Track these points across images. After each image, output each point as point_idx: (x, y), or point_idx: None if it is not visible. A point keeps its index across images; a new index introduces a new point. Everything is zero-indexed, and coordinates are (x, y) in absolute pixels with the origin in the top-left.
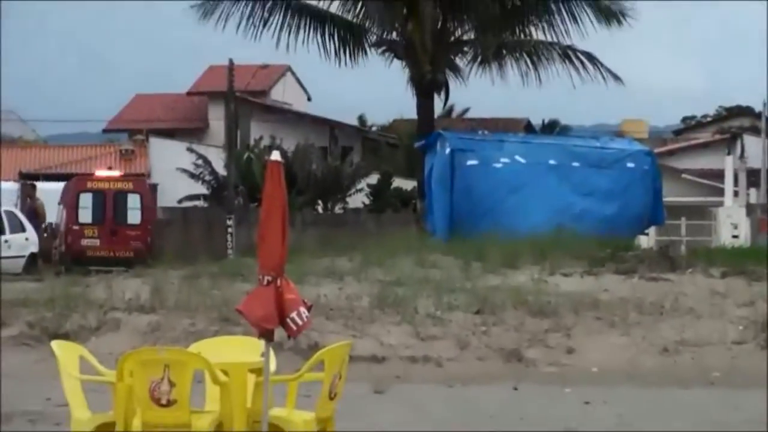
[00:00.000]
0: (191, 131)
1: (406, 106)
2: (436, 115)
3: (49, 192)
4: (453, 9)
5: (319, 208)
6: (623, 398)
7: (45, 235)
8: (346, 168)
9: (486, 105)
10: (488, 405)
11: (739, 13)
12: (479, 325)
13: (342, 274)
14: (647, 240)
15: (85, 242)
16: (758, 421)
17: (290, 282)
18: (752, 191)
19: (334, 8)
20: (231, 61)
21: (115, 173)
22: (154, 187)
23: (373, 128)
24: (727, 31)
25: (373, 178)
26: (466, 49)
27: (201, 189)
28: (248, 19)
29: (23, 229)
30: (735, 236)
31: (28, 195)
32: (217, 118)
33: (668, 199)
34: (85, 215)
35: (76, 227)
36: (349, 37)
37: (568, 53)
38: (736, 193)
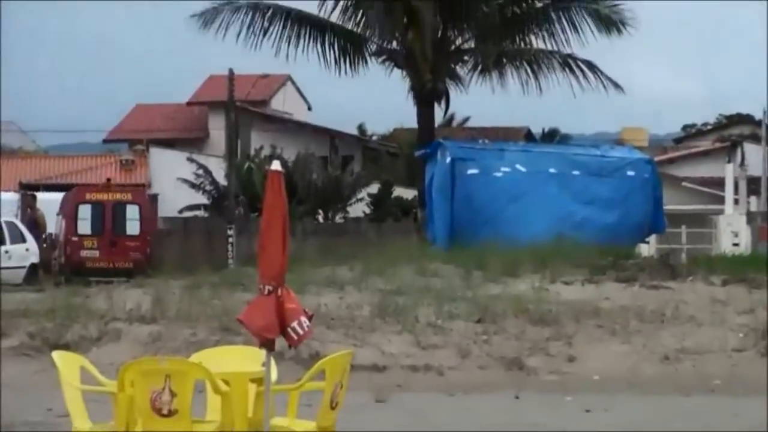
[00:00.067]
0: (192, 141)
1: (407, 115)
2: (436, 124)
3: (50, 202)
4: (453, 18)
5: (320, 218)
6: (624, 406)
7: (44, 245)
8: (347, 177)
9: (486, 114)
10: (489, 413)
11: (738, 21)
12: (480, 334)
13: (343, 284)
14: (648, 248)
15: (84, 253)
16: (759, 429)
17: (291, 291)
18: (753, 199)
19: (334, 18)
20: (231, 71)
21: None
22: (154, 197)
23: (374, 137)
24: (727, 40)
25: (374, 188)
26: (466, 57)
27: (201, 199)
28: (248, 28)
29: (23, 240)
30: (735, 244)
31: (28, 205)
32: (217, 128)
33: (668, 207)
34: (84, 226)
35: (75, 238)
36: (349, 47)
37: (568, 62)
38: (736, 201)
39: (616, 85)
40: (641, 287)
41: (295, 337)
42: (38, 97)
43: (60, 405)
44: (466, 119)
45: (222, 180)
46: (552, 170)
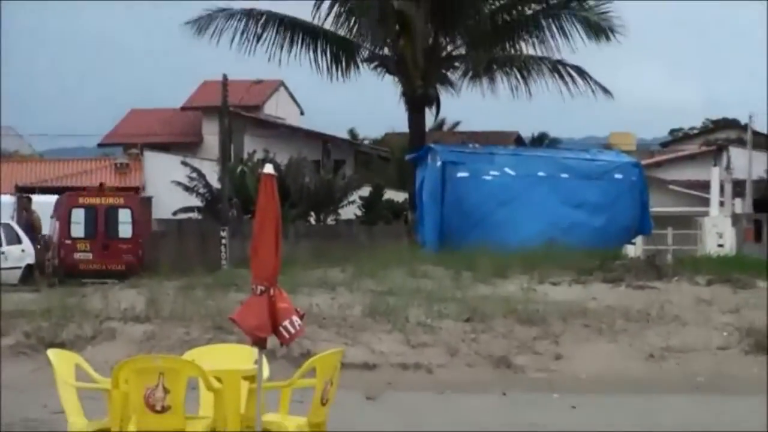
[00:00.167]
0: (186, 145)
1: (398, 120)
2: (427, 129)
3: (45, 205)
4: (445, 25)
5: (312, 220)
6: (610, 403)
7: (38, 247)
8: (339, 181)
9: (477, 118)
10: (478, 411)
11: (726, 28)
12: (469, 333)
13: (334, 285)
14: (634, 249)
15: (77, 256)
16: (742, 425)
17: (283, 292)
18: (738, 201)
19: (327, 24)
20: (225, 77)
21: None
22: (148, 200)
23: (366, 142)
24: (715, 46)
25: (365, 191)
26: (457, 64)
27: (195, 201)
28: (242, 34)
29: (20, 241)
30: (720, 245)
31: (24, 208)
32: (211, 133)
33: (655, 209)
34: (78, 230)
35: (68, 241)
36: (341, 53)
37: (557, 67)
38: (722, 204)
39: (605, 90)
40: (627, 287)
41: (287, 336)
42: (35, 100)
43: (55, 402)
44: (457, 124)
45: (215, 183)
46: (541, 174)
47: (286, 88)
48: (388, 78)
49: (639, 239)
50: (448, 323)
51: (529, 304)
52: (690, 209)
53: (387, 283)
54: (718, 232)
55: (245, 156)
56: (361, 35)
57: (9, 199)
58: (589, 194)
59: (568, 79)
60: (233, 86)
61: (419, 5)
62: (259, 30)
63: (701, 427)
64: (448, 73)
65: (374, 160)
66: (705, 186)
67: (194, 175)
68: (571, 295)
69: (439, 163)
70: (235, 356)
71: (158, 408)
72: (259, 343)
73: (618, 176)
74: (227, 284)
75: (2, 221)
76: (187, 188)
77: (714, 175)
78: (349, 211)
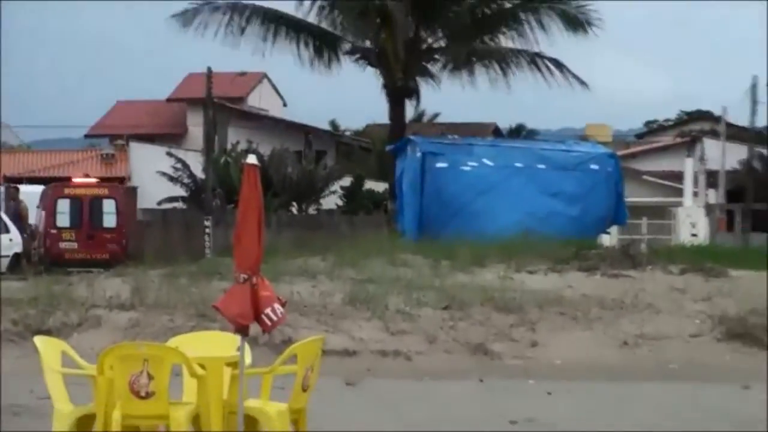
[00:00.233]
0: (171, 136)
1: (379, 112)
2: (407, 120)
3: (32, 195)
4: (425, 18)
5: (294, 210)
6: (585, 389)
7: (26, 236)
8: (320, 171)
9: (456, 110)
10: (455, 397)
11: (700, 21)
12: (447, 321)
13: (315, 273)
14: (609, 239)
15: (63, 245)
16: (713, 411)
17: (265, 280)
18: (711, 192)
19: (310, 18)
20: (209, 69)
21: (92, 180)
22: (134, 190)
23: (347, 133)
24: (689, 39)
25: (346, 181)
26: (437, 56)
27: (180, 191)
28: (226, 27)
29: (7, 230)
30: (694, 235)
31: (11, 197)
32: (195, 124)
33: (630, 199)
34: (63, 220)
35: (54, 231)
36: (323, 46)
37: (535, 60)
38: (695, 194)
39: (582, 83)
40: (602, 276)
41: (269, 323)
42: (35, 99)
43: (42, 388)
44: (436, 115)
45: (200, 173)
46: (518, 165)
47: (270, 81)
48: (370, 70)
49: (614, 229)
50: (426, 311)
51: (506, 293)
52: (664, 200)
53: (367, 272)
54: (692, 222)
55: (229, 147)
56: (343, 28)
57: None
58: (566, 185)
59: (545, 71)
60: (217, 78)
61: None
62: (243, 23)
63: (674, 413)
64: (429, 66)
65: (355, 151)
66: (679, 177)
67: (179, 165)
68: (547, 284)
69: (418, 154)
70: (218, 343)
71: (142, 394)
72: (242, 330)
73: (594, 167)
74: (211, 273)
75: None
76: (171, 178)
77: (688, 166)
78: (331, 201)
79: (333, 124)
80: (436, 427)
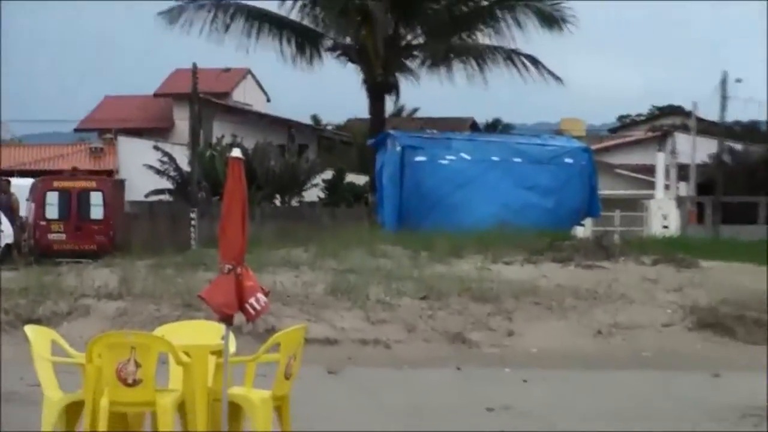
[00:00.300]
0: (158, 130)
1: (360, 107)
2: (387, 115)
3: (23, 187)
4: (405, 16)
5: (277, 202)
6: (560, 377)
7: (17, 227)
8: (303, 164)
9: (434, 105)
10: (433, 384)
11: (672, 17)
12: (426, 310)
13: (298, 264)
14: (583, 230)
15: (52, 236)
16: (685, 399)
17: (249, 270)
18: (682, 185)
19: (293, 15)
20: (195, 65)
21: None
22: (122, 183)
23: (329, 127)
24: (660, 35)
25: (328, 174)
26: (416, 53)
27: (166, 184)
28: (211, 25)
29: None
30: (665, 227)
31: (2, 190)
32: (181, 119)
33: (603, 192)
34: (52, 212)
35: (43, 223)
36: (305, 42)
37: (512, 56)
38: (667, 187)
39: (557, 78)
40: (577, 267)
41: (253, 313)
42: (13, 88)
43: (32, 376)
44: (415, 110)
45: (186, 167)
46: (495, 158)
47: (253, 76)
48: (351, 66)
49: (588, 221)
50: (406, 301)
51: (483, 283)
52: (636, 192)
53: (348, 263)
54: (663, 215)
55: (214, 141)
56: (325, 25)
57: None
58: (541, 178)
59: (521, 67)
60: (203, 74)
61: None
62: (227, 20)
63: (646, 400)
64: (408, 62)
65: (337, 145)
66: (651, 170)
67: (165, 159)
68: (523, 274)
69: (398, 148)
70: (203, 332)
71: (130, 381)
72: (226, 319)
73: (568, 161)
74: (196, 263)
75: None
76: (158, 171)
77: (659, 159)
78: (313, 193)
79: (315, 118)
80: (415, 414)
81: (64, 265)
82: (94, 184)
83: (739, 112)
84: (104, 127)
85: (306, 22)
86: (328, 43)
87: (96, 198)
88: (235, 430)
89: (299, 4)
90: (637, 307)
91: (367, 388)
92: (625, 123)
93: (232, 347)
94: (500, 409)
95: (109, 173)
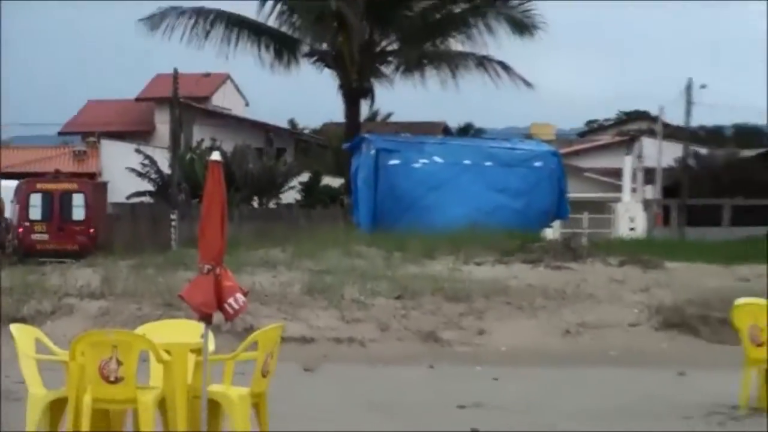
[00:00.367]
0: (139, 134)
1: (336, 111)
2: (362, 119)
3: (8, 189)
4: (380, 23)
5: (255, 204)
6: (529, 375)
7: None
8: (280, 167)
9: (408, 109)
10: (407, 382)
11: (641, 23)
12: (399, 310)
13: (276, 264)
14: (552, 232)
15: (35, 237)
16: (651, 395)
17: (228, 271)
18: (648, 188)
19: (271, 22)
20: (176, 70)
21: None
22: (104, 185)
23: (305, 131)
24: (629, 41)
25: (305, 177)
26: (390, 58)
27: (148, 186)
28: (192, 31)
29: None
30: (632, 229)
31: None
32: (163, 122)
33: (572, 195)
34: (35, 213)
35: (27, 223)
36: (283, 48)
37: (483, 62)
38: (634, 190)
39: (527, 83)
40: (546, 268)
41: (231, 312)
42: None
43: (17, 373)
44: (389, 114)
45: (166, 169)
46: (467, 162)
47: (233, 81)
48: (327, 72)
49: (557, 223)
50: (380, 300)
51: (455, 283)
52: (604, 195)
53: (324, 263)
54: (630, 217)
55: (194, 144)
56: (302, 32)
57: None
58: (511, 181)
59: (492, 73)
60: (184, 79)
61: (355, 4)
62: (207, 27)
63: (613, 397)
64: (382, 67)
65: (313, 149)
66: (618, 174)
67: (147, 161)
68: (494, 275)
69: (373, 152)
70: (183, 331)
71: (112, 379)
72: (206, 318)
73: (538, 164)
74: (176, 263)
75: None
76: (140, 174)
77: (626, 163)
78: (290, 195)
79: (292, 122)
80: (389, 411)
81: (47, 264)
82: (75, 186)
83: (703, 117)
84: (88, 131)
85: (284, 28)
86: (305, 49)
87: (78, 199)
88: (214, 426)
89: (277, 11)
90: (604, 306)
91: (342, 386)
92: (593, 128)
93: (212, 345)
94: (472, 406)
95: (92, 176)
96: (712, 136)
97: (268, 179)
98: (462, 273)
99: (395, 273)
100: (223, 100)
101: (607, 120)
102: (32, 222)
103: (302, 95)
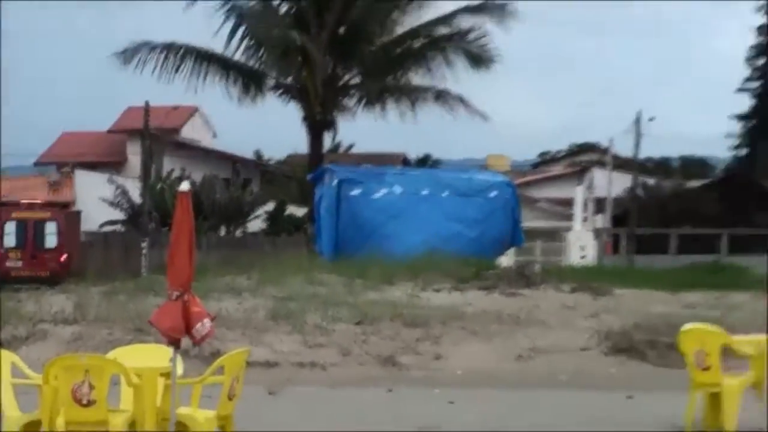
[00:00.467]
0: (112, 164)
1: (300, 142)
2: (325, 151)
3: None
4: (342, 57)
5: (222, 232)
6: (484, 398)
7: None
8: (246, 197)
9: (369, 141)
10: (366, 404)
11: (591, 58)
12: (360, 335)
13: (241, 290)
14: (506, 260)
15: (9, 264)
16: (600, 418)
17: (196, 297)
18: (598, 217)
19: (237, 56)
20: (147, 103)
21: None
22: (77, 214)
23: (271, 162)
24: (577, 75)
25: (270, 206)
26: (353, 92)
27: (120, 215)
28: (162, 65)
29: None
30: (583, 257)
31: None
32: (134, 153)
33: (526, 224)
34: (10, 240)
35: (2, 251)
36: (250, 82)
37: (441, 95)
38: (585, 219)
39: (483, 116)
40: (500, 294)
41: (199, 337)
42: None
43: None
44: (351, 146)
45: (137, 199)
46: (425, 192)
47: (201, 114)
48: (292, 104)
49: (511, 251)
50: (341, 326)
51: (413, 309)
52: (556, 224)
53: (288, 290)
54: (581, 245)
55: (164, 174)
56: (268, 66)
57: None
58: (468, 210)
59: (450, 106)
60: (154, 111)
61: (319, 39)
62: (177, 61)
63: (563, 419)
64: (345, 100)
65: (278, 179)
66: (570, 203)
67: (119, 191)
68: (451, 301)
69: (335, 182)
70: (153, 355)
71: (84, 402)
72: (174, 343)
73: (493, 194)
74: (147, 290)
75: None
76: (112, 203)
77: (578, 193)
78: (256, 224)
79: (258, 153)
80: None
81: (23, 291)
82: (49, 214)
83: (651, 149)
84: (62, 161)
85: (251, 63)
86: (271, 82)
87: (50, 228)
88: None
89: (244, 46)
90: (556, 331)
91: (305, 408)
92: (546, 159)
93: (180, 369)
94: (429, 428)
95: (66, 205)
96: (660, 167)
97: (235, 208)
98: (420, 299)
99: (356, 299)
100: (192, 131)
101: (559, 152)
102: (7, 249)
103: (268, 127)
